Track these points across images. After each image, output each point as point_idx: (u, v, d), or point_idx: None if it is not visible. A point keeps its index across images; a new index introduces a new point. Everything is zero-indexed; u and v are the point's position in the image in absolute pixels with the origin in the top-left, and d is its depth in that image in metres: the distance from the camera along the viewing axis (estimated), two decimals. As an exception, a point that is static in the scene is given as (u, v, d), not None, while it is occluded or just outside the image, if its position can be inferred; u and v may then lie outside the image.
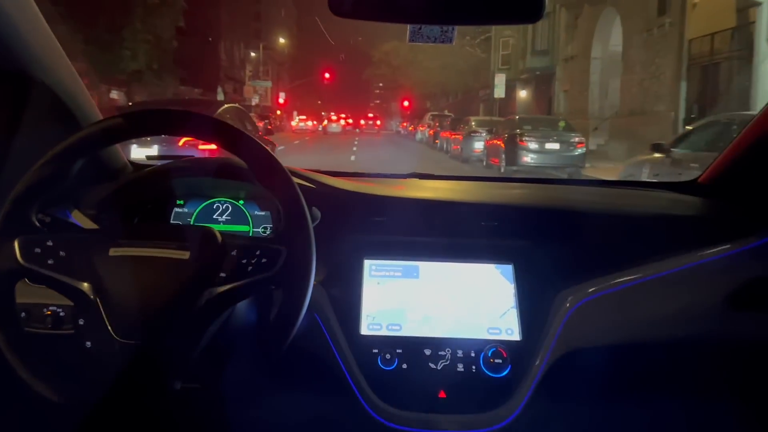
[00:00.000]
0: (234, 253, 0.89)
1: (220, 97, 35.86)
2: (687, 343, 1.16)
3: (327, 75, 47.27)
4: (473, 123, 15.75)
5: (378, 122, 44.97)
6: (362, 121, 45.49)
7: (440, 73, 32.55)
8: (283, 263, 0.86)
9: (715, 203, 1.36)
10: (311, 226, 0.89)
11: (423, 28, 0.90)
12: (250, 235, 1.30)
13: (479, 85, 32.67)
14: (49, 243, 0.88)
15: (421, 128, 27.31)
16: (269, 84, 46.37)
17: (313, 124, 40.50)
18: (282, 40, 50.19)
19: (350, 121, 43.14)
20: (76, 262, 0.87)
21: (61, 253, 0.88)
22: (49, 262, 0.87)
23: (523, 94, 26.01)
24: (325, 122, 39.74)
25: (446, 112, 26.77)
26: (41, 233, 0.90)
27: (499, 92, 22.30)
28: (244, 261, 0.88)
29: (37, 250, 0.87)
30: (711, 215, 1.34)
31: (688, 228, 1.25)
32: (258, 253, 0.88)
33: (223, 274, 0.87)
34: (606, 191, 1.57)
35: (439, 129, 21.26)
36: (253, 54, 45.42)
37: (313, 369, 1.10)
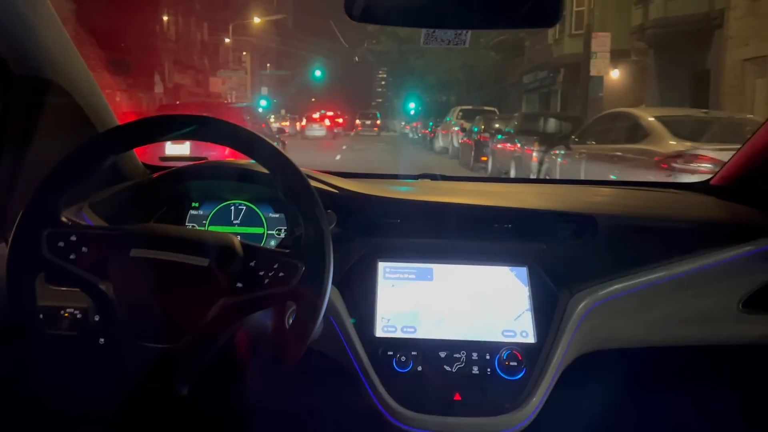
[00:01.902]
0: (252, 264, 0.90)
1: (159, 89, 26.79)
2: (703, 345, 1.17)
3: (318, 72, 37.63)
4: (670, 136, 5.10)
5: (378, 122, 35.12)
6: (357, 121, 35.45)
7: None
8: (300, 279, 0.87)
9: (730, 205, 1.37)
10: (330, 243, 0.90)
11: (437, 30, 0.94)
12: (264, 237, 1.33)
13: (525, 68, 22.59)
14: (73, 238, 0.89)
15: (443, 132, 17.30)
16: (241, 74, 37.12)
17: (289, 125, 30.49)
18: (258, 20, 40.43)
19: (340, 121, 32.90)
20: (97, 259, 0.89)
21: (83, 249, 0.89)
22: (71, 257, 0.89)
23: (614, 74, 15.74)
24: (304, 121, 29.65)
25: (486, 108, 17.13)
26: (67, 228, 0.91)
27: (601, 67, 11.89)
28: (262, 273, 0.89)
29: (61, 243, 0.89)
30: (726, 217, 1.34)
31: (702, 230, 1.26)
32: (276, 266, 0.89)
33: (239, 284, 0.89)
34: (620, 192, 1.59)
35: (490, 136, 10.99)
36: (227, 40, 36.07)
37: (328, 371, 1.12)
